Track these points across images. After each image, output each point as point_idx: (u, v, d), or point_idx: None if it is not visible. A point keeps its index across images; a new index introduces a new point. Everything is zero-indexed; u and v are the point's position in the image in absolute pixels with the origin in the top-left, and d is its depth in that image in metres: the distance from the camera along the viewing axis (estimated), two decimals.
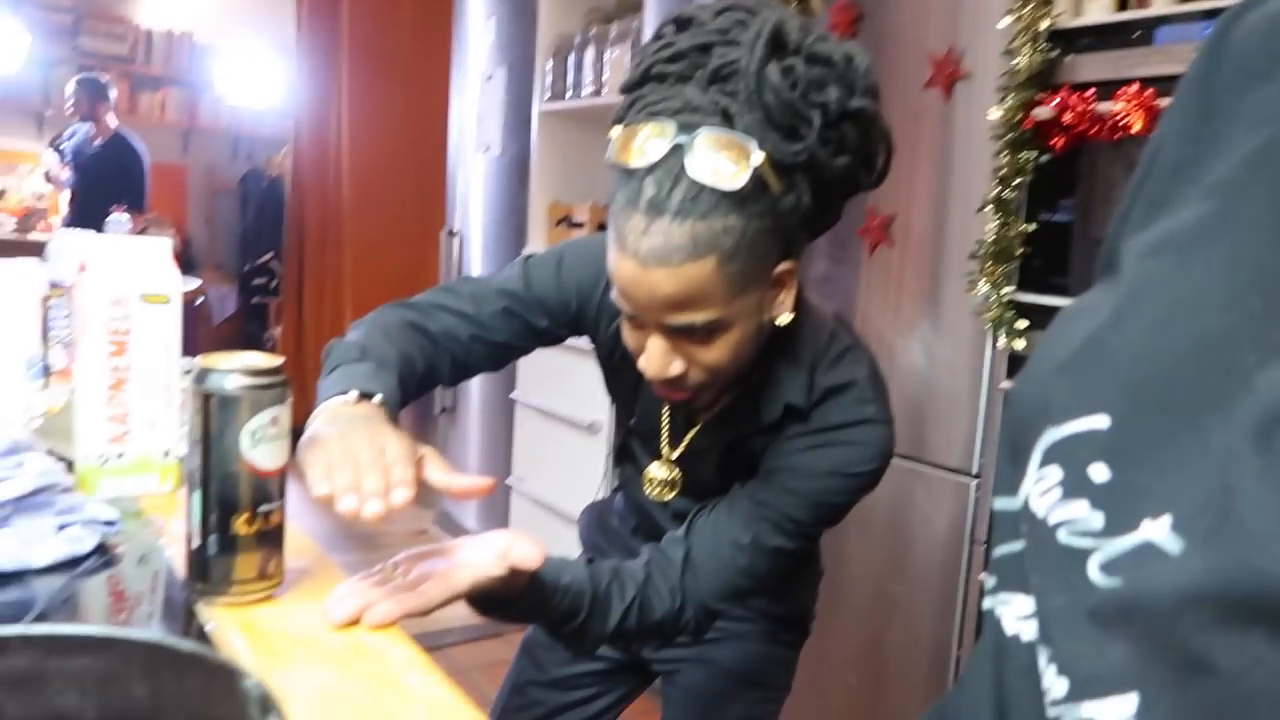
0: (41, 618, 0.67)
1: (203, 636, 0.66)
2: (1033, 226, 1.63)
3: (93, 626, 0.49)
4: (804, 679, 1.25)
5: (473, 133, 3.28)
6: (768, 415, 0.93)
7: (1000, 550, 0.40)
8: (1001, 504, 0.40)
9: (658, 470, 1.03)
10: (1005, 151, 1.62)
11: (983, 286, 1.66)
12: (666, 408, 1.00)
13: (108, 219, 3.65)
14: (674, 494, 1.03)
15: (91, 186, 4.44)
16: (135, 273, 0.91)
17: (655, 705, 1.24)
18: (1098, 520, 0.33)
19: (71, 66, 5.17)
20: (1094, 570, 0.33)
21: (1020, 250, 1.64)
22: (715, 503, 0.95)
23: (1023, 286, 1.66)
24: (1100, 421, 0.34)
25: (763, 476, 0.94)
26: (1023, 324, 1.63)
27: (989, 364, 1.71)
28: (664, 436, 1.02)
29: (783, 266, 0.83)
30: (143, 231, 5.15)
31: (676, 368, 0.84)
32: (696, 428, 0.99)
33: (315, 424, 0.78)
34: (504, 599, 0.82)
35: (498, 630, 2.66)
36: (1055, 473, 0.35)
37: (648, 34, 2.17)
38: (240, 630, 0.67)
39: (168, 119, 5.72)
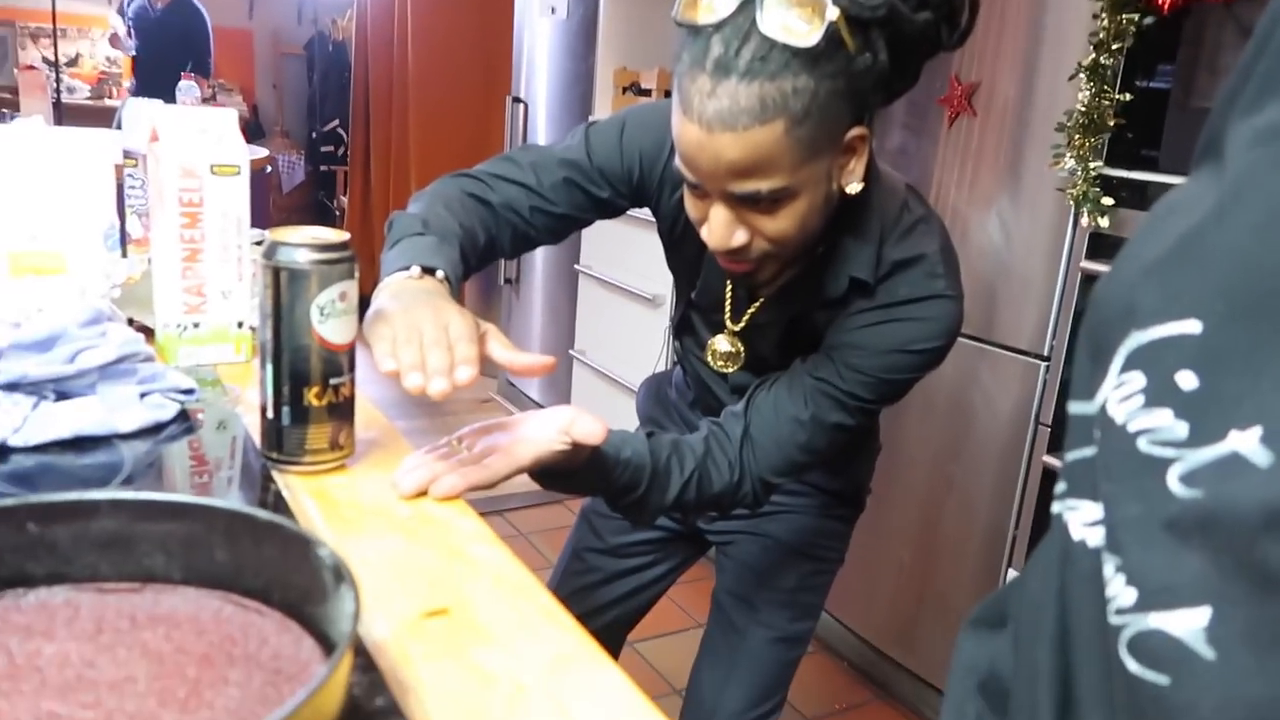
0: (129, 480, 0.71)
1: (279, 502, 0.69)
2: (1128, 96, 1.53)
3: (176, 495, 0.51)
4: (856, 554, 1.27)
5: None
6: (832, 289, 0.91)
7: (1072, 455, 0.39)
8: (1077, 408, 0.39)
9: (722, 343, 1.02)
10: (1105, 13, 1.50)
11: (1069, 160, 1.58)
12: (728, 280, 0.99)
13: (178, 86, 3.65)
14: (736, 367, 1.03)
15: (156, 52, 4.44)
16: (204, 144, 0.92)
17: (708, 573, 1.28)
18: (1182, 430, 0.32)
19: None
20: (1173, 481, 0.31)
21: (1113, 122, 1.54)
22: (775, 378, 0.95)
23: (1111, 161, 1.57)
24: (1191, 327, 0.32)
25: (825, 352, 0.92)
26: (1108, 201, 1.55)
27: (1069, 243, 1.64)
28: (726, 310, 1.01)
29: (854, 132, 0.80)
30: (211, 98, 5.16)
31: (740, 238, 0.82)
32: (759, 301, 0.98)
33: (380, 299, 0.79)
34: (566, 472, 0.84)
35: (558, 496, 2.75)
36: (1138, 379, 0.34)
37: None
38: (313, 498, 0.70)
39: None
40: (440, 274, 0.84)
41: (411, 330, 0.72)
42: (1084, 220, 1.59)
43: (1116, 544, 0.33)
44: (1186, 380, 0.32)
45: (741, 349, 1.02)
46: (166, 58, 4.40)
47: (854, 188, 0.83)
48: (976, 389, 1.82)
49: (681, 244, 1.02)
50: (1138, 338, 0.34)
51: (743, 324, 1.00)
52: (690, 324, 1.10)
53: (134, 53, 4.51)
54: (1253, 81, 0.37)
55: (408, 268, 0.83)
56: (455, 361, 0.70)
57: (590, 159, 0.98)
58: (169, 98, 4.32)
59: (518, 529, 2.63)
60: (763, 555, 1.19)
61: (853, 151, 0.82)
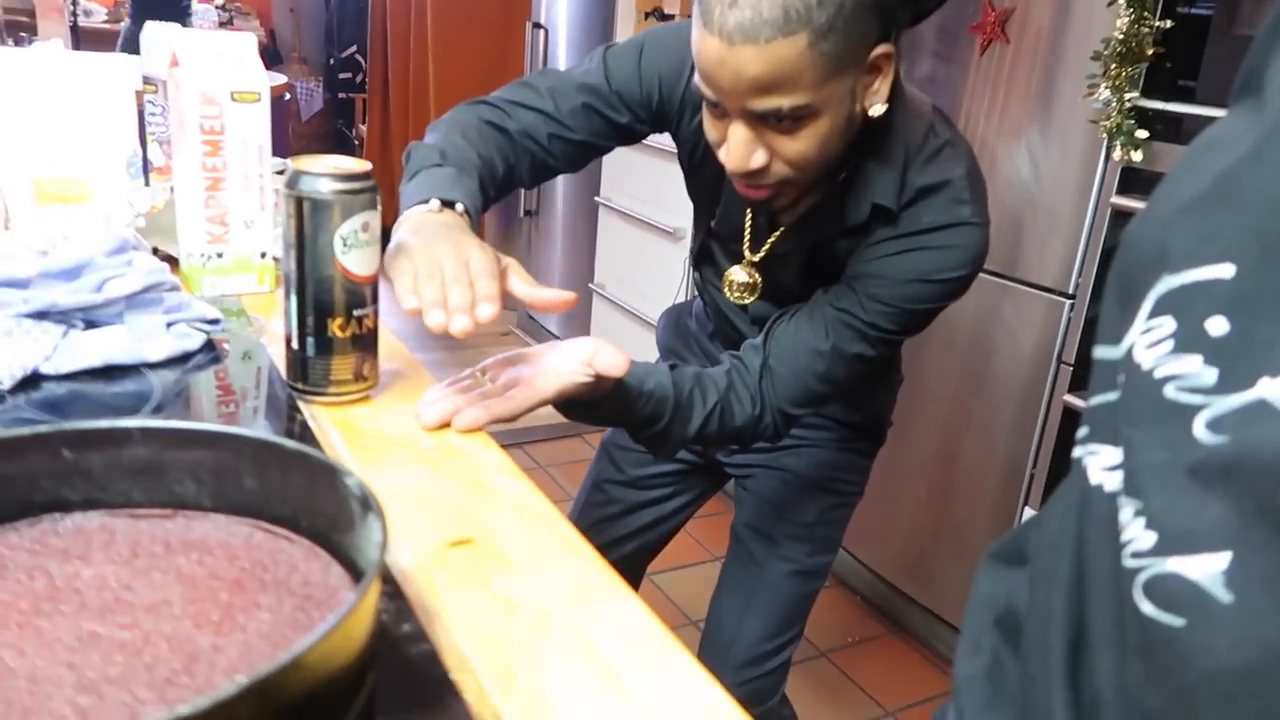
0: (158, 409, 0.72)
1: (305, 432, 0.70)
2: (1169, 23, 1.48)
3: (206, 424, 0.52)
4: (872, 488, 1.28)
5: None
6: (854, 216, 0.89)
7: (1096, 400, 0.38)
8: (1103, 352, 0.38)
9: (738, 273, 1.01)
10: None
11: (1103, 91, 1.53)
12: (749, 209, 0.98)
13: (197, 10, 3.58)
14: (754, 298, 1.02)
15: None
16: (224, 70, 0.91)
17: (726, 507, 1.30)
18: (1210, 376, 0.31)
19: None
20: (1199, 427, 0.31)
21: (1151, 50, 1.49)
22: (796, 309, 0.94)
23: (1147, 92, 1.53)
24: (1224, 271, 0.32)
25: (846, 281, 0.91)
26: (1143, 134, 1.51)
27: (1100, 177, 1.61)
28: (746, 239, 1.00)
29: (880, 50, 0.78)
30: (228, 22, 5.08)
31: (759, 159, 0.81)
32: (779, 231, 0.97)
33: (400, 233, 0.79)
34: (589, 403, 0.84)
35: (578, 430, 2.77)
36: (1168, 324, 0.33)
37: None
38: (338, 429, 0.71)
39: None
40: (460, 207, 0.83)
41: (432, 266, 0.72)
42: (1116, 154, 1.55)
43: (1136, 488, 0.33)
44: (1217, 325, 0.31)
45: (758, 279, 1.01)
46: None
47: (877, 109, 0.81)
48: (999, 325, 1.81)
49: (701, 170, 1.00)
50: (1169, 281, 0.34)
51: (762, 254, 0.99)
52: (710, 254, 1.08)
53: None
54: None
55: (427, 201, 0.82)
56: (477, 298, 0.70)
57: (609, 83, 0.96)
58: (178, 19, 4.21)
59: (537, 461, 2.66)
60: (781, 489, 1.19)
61: (878, 71, 0.80)
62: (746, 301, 1.03)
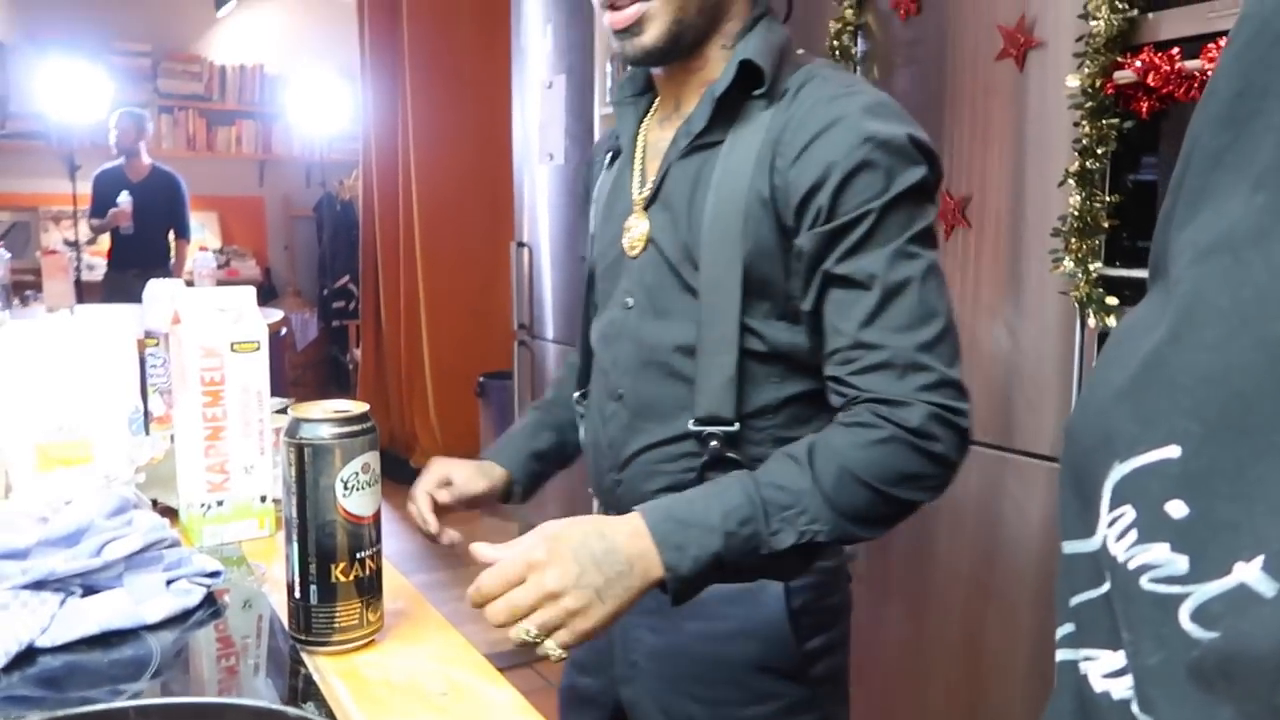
0: (158, 674, 0.70)
1: (309, 686, 0.68)
2: (1118, 198, 1.56)
3: (202, 697, 0.50)
4: (902, 672, 1.21)
5: (536, 142, 3.30)
6: (719, 78, 0.86)
7: (1079, 598, 0.37)
8: (1073, 547, 0.37)
9: (635, 222, 0.95)
10: (1085, 121, 1.55)
11: (1068, 264, 1.60)
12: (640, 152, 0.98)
13: (197, 259, 3.73)
14: (644, 250, 0.94)
15: (141, 221, 4.45)
16: (224, 323, 0.94)
17: None
18: (1182, 564, 0.31)
19: (153, 109, 5.37)
20: (1186, 620, 0.30)
21: (1106, 223, 1.57)
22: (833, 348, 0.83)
23: (1110, 261, 1.59)
24: (1171, 452, 0.32)
25: (805, 262, 0.83)
26: (1113, 301, 1.56)
27: (1079, 345, 1.65)
28: (634, 190, 0.96)
29: None
30: (226, 264, 5.31)
31: None
32: (663, 173, 0.92)
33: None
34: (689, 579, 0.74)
35: None
36: (1129, 513, 0.33)
37: None
38: (343, 679, 0.69)
39: (244, 152, 5.92)
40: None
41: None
42: (1091, 322, 1.59)
43: (1147, 701, 0.32)
44: (1176, 509, 0.31)
45: (647, 230, 0.93)
46: (153, 225, 4.49)
47: None
48: (1004, 497, 1.79)
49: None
50: (1120, 469, 0.34)
51: (648, 190, 0.94)
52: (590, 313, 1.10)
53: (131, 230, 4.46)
54: (1183, 196, 0.38)
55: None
56: None
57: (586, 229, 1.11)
58: (156, 265, 4.38)
59: (549, 681, 2.54)
60: None
61: None
62: (635, 253, 0.95)
